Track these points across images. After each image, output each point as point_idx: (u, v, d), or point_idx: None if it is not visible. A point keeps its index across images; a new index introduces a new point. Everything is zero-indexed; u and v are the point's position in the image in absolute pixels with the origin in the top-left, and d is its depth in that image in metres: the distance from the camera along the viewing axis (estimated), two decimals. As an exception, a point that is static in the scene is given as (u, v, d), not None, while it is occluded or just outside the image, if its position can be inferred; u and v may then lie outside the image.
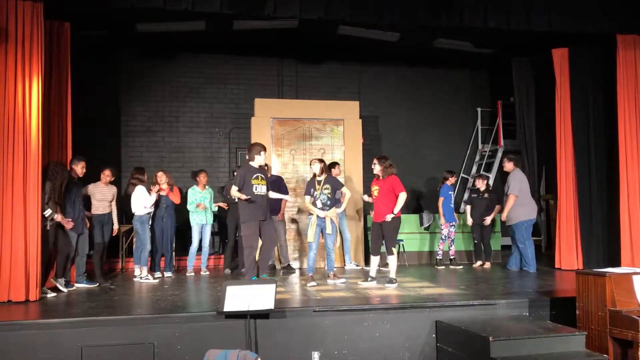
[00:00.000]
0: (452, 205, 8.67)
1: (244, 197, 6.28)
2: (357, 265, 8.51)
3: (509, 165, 8.02)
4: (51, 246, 6.27)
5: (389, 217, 6.45)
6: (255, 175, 6.45)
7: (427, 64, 11.24)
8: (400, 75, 11.40)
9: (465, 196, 10.78)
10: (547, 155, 9.12)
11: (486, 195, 8.56)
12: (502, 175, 10.83)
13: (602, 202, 7.96)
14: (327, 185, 6.79)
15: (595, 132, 8.03)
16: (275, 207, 7.73)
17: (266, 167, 7.27)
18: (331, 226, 6.76)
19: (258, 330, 4.82)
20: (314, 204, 6.78)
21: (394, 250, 6.60)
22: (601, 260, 7.74)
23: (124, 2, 6.31)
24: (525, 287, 6.35)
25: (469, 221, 8.55)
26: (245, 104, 10.38)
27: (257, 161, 6.54)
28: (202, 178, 8.16)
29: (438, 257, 8.66)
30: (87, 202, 7.09)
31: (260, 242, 6.57)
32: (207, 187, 8.27)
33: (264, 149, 6.63)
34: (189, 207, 8.04)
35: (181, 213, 8.43)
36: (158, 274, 7.66)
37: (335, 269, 7.01)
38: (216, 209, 8.35)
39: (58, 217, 6.18)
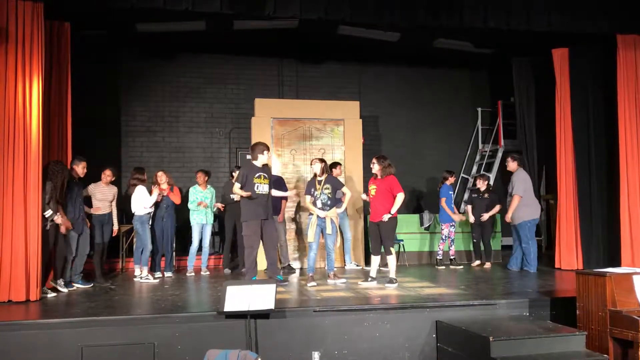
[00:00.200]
0: (453, 205, 8.67)
1: (244, 193, 6.29)
2: (357, 265, 8.51)
3: (512, 165, 8.01)
4: (51, 246, 6.27)
5: (385, 217, 6.44)
6: (257, 174, 6.48)
7: (427, 64, 11.25)
8: (400, 75, 11.40)
9: (466, 196, 10.79)
10: (547, 155, 9.12)
11: (486, 195, 8.56)
12: (503, 175, 10.86)
13: (602, 202, 7.96)
14: (328, 185, 6.79)
15: (595, 131, 8.03)
16: (277, 205, 7.72)
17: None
18: (331, 226, 6.75)
19: (258, 330, 4.82)
20: (314, 203, 6.78)
21: (393, 250, 6.61)
22: (601, 260, 7.74)
23: (124, 2, 6.31)
24: (526, 287, 6.35)
25: (471, 219, 8.54)
26: (246, 104, 10.38)
27: (260, 160, 6.57)
28: (201, 178, 8.16)
29: (438, 257, 8.66)
30: (87, 202, 7.09)
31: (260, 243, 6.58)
32: (209, 186, 8.27)
33: (267, 148, 6.66)
34: (189, 205, 8.05)
35: (181, 213, 8.44)
36: (158, 274, 7.66)
37: (335, 269, 7.01)
38: (215, 209, 8.35)
39: (58, 219, 6.18)
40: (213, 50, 10.55)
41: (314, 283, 6.56)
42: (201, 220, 8.04)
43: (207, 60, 10.68)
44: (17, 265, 5.74)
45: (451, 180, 8.71)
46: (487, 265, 8.42)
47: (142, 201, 7.28)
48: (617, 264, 7.17)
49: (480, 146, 11.67)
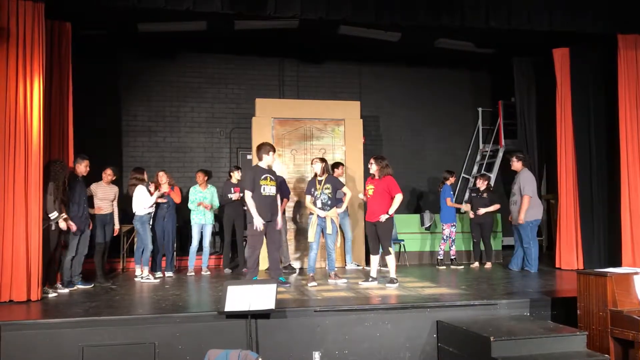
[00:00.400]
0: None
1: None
2: (357, 265, 8.51)
3: (517, 165, 7.96)
4: (53, 249, 6.26)
5: (383, 218, 6.43)
6: (264, 176, 6.42)
7: (428, 64, 11.24)
8: (401, 75, 11.39)
9: (466, 196, 10.78)
10: (547, 155, 9.12)
11: (485, 195, 8.53)
12: (503, 175, 10.87)
13: (603, 202, 7.95)
14: (328, 185, 6.79)
15: (596, 131, 8.02)
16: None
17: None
18: (332, 226, 6.75)
19: (259, 330, 4.83)
20: (314, 203, 6.78)
21: (391, 250, 6.61)
22: (602, 260, 7.74)
23: (125, 1, 6.32)
24: (526, 287, 6.34)
25: (471, 214, 8.50)
26: (246, 103, 10.38)
27: (266, 161, 6.50)
28: (200, 177, 8.16)
29: (439, 257, 8.66)
30: (89, 202, 7.08)
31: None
32: (209, 186, 8.27)
33: (273, 149, 6.58)
34: (189, 205, 8.06)
35: (182, 213, 8.43)
36: (159, 274, 7.66)
37: (336, 269, 7.01)
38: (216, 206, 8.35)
39: (62, 224, 6.17)
40: (214, 50, 10.56)
41: (314, 283, 6.56)
42: (200, 220, 8.04)
43: (208, 60, 10.70)
44: (18, 265, 5.74)
45: (452, 180, 8.70)
46: (488, 265, 8.41)
47: (142, 201, 7.28)
48: (618, 264, 7.17)
49: (481, 146, 11.67)
